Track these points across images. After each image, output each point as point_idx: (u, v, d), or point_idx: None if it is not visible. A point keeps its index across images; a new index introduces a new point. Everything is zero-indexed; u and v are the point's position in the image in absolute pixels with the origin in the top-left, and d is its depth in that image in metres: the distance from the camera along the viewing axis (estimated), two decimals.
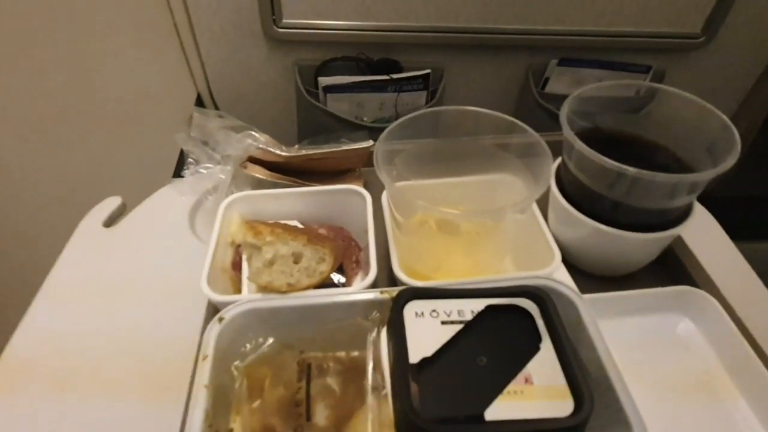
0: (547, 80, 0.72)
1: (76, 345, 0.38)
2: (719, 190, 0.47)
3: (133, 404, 0.34)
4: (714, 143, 0.37)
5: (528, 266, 0.38)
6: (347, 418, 0.27)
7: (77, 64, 0.66)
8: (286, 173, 0.47)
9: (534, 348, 0.27)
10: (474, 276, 0.34)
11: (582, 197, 0.39)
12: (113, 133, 0.73)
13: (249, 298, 0.32)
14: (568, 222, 0.41)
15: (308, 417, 0.27)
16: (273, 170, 0.47)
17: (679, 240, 0.44)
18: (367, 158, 0.48)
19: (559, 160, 0.42)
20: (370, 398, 0.27)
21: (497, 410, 0.24)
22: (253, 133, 0.46)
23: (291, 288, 0.32)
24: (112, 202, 0.49)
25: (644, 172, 0.33)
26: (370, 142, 0.48)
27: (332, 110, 0.68)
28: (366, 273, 0.35)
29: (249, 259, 0.33)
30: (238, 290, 0.37)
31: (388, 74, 0.66)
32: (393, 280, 0.37)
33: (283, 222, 0.40)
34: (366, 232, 0.38)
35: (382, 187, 0.41)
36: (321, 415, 0.27)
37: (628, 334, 0.39)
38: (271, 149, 0.46)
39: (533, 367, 0.26)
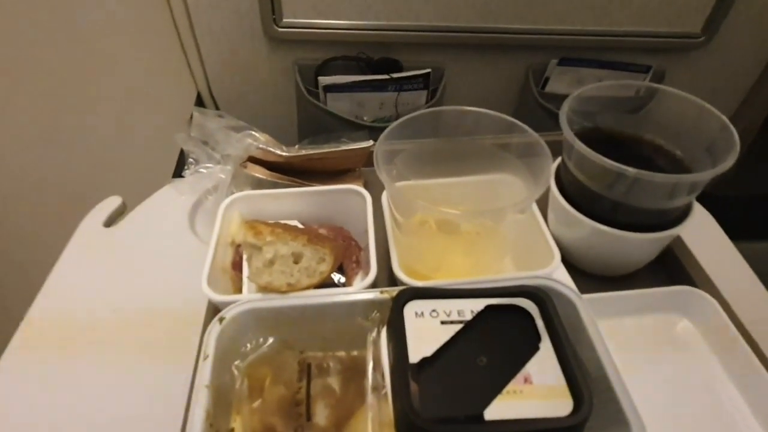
0: (547, 80, 0.72)
1: (75, 345, 0.38)
2: (719, 190, 0.47)
3: (133, 404, 0.34)
4: (713, 143, 0.37)
5: (528, 266, 0.38)
6: (347, 418, 0.27)
7: (77, 64, 0.66)
8: (286, 173, 0.47)
9: (533, 348, 0.27)
10: (474, 276, 0.34)
11: (582, 197, 0.39)
12: (113, 132, 0.73)
13: (249, 298, 0.32)
14: (567, 222, 0.41)
15: (308, 417, 0.27)
16: (273, 170, 0.47)
17: (678, 240, 0.44)
18: (367, 158, 0.48)
19: (558, 160, 0.42)
20: (370, 398, 0.27)
21: (497, 410, 0.24)
22: (253, 132, 0.47)
23: (291, 288, 0.32)
24: (112, 202, 0.49)
25: (644, 172, 0.33)
26: (370, 142, 0.48)
27: (332, 110, 0.68)
28: (366, 273, 0.35)
29: (249, 259, 0.33)
30: (239, 290, 0.37)
31: (388, 73, 0.66)
32: (393, 280, 0.37)
33: (283, 222, 0.40)
34: (366, 231, 0.38)
35: (382, 187, 0.41)
36: (321, 414, 0.28)
37: (628, 333, 0.39)
38: (271, 149, 0.46)
39: (532, 366, 0.26)
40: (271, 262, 0.32)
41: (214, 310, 0.37)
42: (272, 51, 0.68)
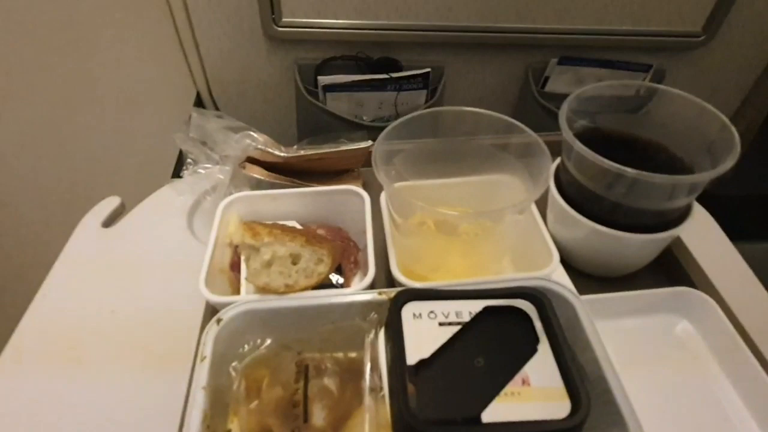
0: (547, 79, 0.72)
1: (74, 345, 0.38)
2: (719, 189, 0.47)
3: (131, 404, 0.34)
4: (713, 144, 0.36)
5: (526, 267, 0.38)
6: (345, 419, 0.27)
7: (77, 64, 0.66)
8: (284, 174, 0.47)
9: (531, 349, 0.27)
10: (472, 277, 0.34)
11: (581, 198, 0.39)
12: (112, 133, 0.73)
13: (247, 299, 0.32)
14: (566, 223, 0.41)
15: (306, 418, 0.27)
16: (271, 171, 0.46)
17: (677, 241, 0.44)
18: (365, 158, 0.48)
19: (558, 160, 0.42)
20: (368, 399, 0.27)
21: (494, 412, 0.24)
22: (252, 133, 0.46)
23: (289, 289, 0.32)
24: (111, 202, 0.49)
25: (643, 173, 0.33)
26: (369, 143, 0.48)
27: (332, 109, 0.68)
28: (364, 273, 0.35)
29: (247, 260, 0.33)
30: (237, 291, 0.37)
31: (387, 73, 0.66)
32: (391, 281, 0.37)
33: (281, 223, 0.40)
34: (364, 232, 0.38)
35: (380, 188, 0.41)
36: (318, 415, 0.28)
37: (626, 335, 0.39)
38: (269, 150, 0.46)
39: (530, 368, 0.26)
40: (269, 263, 0.32)
41: (211, 311, 0.37)
42: (272, 50, 0.68)
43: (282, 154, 0.46)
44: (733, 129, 0.35)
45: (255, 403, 0.28)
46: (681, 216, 0.39)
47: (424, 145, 0.39)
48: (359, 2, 0.63)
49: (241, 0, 0.62)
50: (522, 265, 0.40)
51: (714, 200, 0.45)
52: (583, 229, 0.39)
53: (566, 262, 0.42)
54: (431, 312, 0.28)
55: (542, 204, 0.42)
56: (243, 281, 0.36)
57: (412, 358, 0.26)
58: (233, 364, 0.29)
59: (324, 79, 0.66)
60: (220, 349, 0.28)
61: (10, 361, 0.37)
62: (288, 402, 0.28)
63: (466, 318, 0.28)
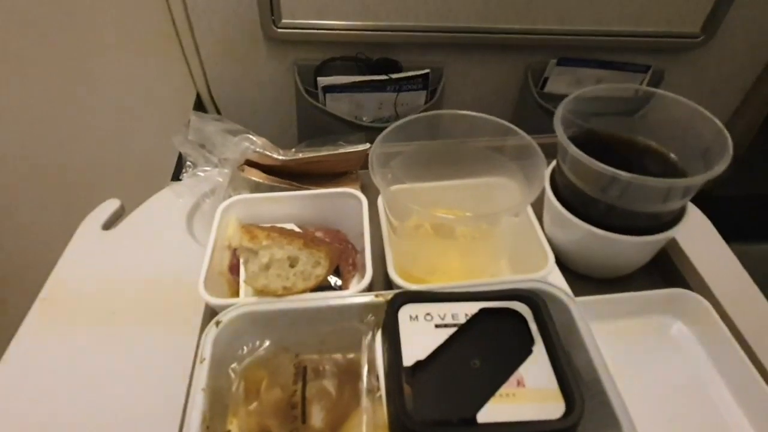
0: (546, 80, 0.72)
1: (74, 348, 0.38)
2: (716, 190, 0.47)
3: (131, 406, 0.35)
4: (708, 147, 0.37)
5: (522, 269, 0.38)
6: (342, 420, 0.28)
7: (76, 66, 0.66)
8: (283, 176, 0.47)
9: (527, 351, 0.27)
10: (469, 279, 0.34)
11: (576, 200, 0.39)
12: (112, 135, 0.73)
13: (246, 301, 0.32)
14: (562, 225, 0.41)
15: (304, 419, 0.28)
16: (270, 173, 0.47)
17: (673, 243, 0.44)
18: (363, 161, 0.48)
19: (554, 163, 0.43)
20: (365, 401, 0.27)
21: (489, 413, 0.24)
22: (250, 136, 0.47)
23: (287, 291, 0.32)
24: (110, 205, 0.49)
25: (637, 176, 0.33)
26: (367, 145, 0.48)
27: (331, 110, 0.68)
28: (362, 276, 0.35)
29: (245, 263, 0.33)
30: (236, 293, 0.37)
31: (387, 74, 0.67)
32: (388, 283, 0.37)
33: (279, 225, 0.41)
34: (362, 235, 0.38)
35: (378, 190, 0.41)
36: (317, 417, 0.28)
37: (621, 336, 0.39)
38: (267, 153, 0.46)
39: (526, 370, 0.26)
40: (267, 266, 0.33)
41: (210, 313, 0.38)
42: (271, 52, 0.68)
43: (280, 157, 0.46)
44: (727, 134, 0.36)
45: (254, 404, 0.28)
46: (676, 218, 0.39)
47: (421, 148, 0.39)
48: (359, 3, 0.63)
49: (241, 1, 0.62)
50: (518, 267, 0.40)
51: (709, 201, 0.45)
52: (579, 232, 0.39)
53: (562, 264, 0.42)
54: (428, 314, 0.28)
55: (538, 206, 0.42)
56: (242, 284, 0.37)
57: (408, 359, 0.26)
58: (232, 365, 0.29)
59: (324, 80, 0.66)
60: (220, 350, 0.29)
61: (12, 364, 0.37)
62: (286, 403, 0.28)
63: (462, 320, 0.28)
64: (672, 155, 0.40)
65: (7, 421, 0.34)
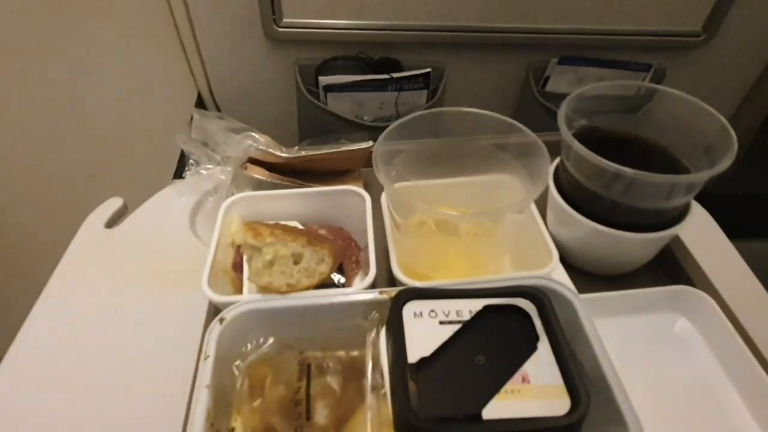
0: (547, 79, 0.72)
1: (78, 346, 0.38)
2: (718, 188, 0.47)
3: (135, 404, 0.35)
4: (712, 144, 0.37)
5: (526, 266, 0.38)
6: (347, 418, 0.28)
7: (77, 65, 0.66)
8: (285, 174, 0.47)
9: (531, 347, 0.27)
10: (472, 276, 0.34)
11: (580, 197, 0.39)
12: (114, 134, 0.73)
13: (249, 298, 0.32)
14: (566, 222, 0.41)
15: (308, 416, 0.28)
16: (273, 171, 0.47)
17: (676, 239, 0.44)
18: (366, 159, 0.48)
19: (557, 160, 0.43)
20: (370, 397, 0.27)
21: (494, 409, 0.24)
22: (253, 134, 0.47)
23: (291, 288, 0.32)
24: (113, 203, 0.49)
25: (641, 173, 0.33)
26: (370, 143, 0.48)
27: (333, 109, 0.68)
28: (366, 273, 0.35)
29: (249, 260, 0.33)
30: (239, 291, 0.37)
31: (388, 73, 0.67)
32: (392, 280, 0.37)
33: (283, 223, 0.41)
34: (365, 232, 0.38)
35: (381, 188, 0.41)
36: (321, 414, 0.28)
37: (626, 333, 0.39)
38: (270, 150, 0.46)
39: (530, 366, 0.26)
40: (270, 263, 0.33)
41: (214, 310, 0.37)
42: (272, 51, 0.68)
43: (283, 155, 0.46)
44: (731, 130, 0.36)
45: (258, 401, 0.28)
46: (680, 215, 0.39)
47: (424, 145, 0.39)
48: (359, 2, 0.63)
49: (242, 0, 0.62)
50: (522, 264, 0.40)
51: (713, 199, 0.45)
52: (583, 229, 0.39)
53: (566, 261, 0.42)
54: (432, 311, 0.28)
55: (542, 203, 0.42)
56: (245, 281, 0.37)
57: (413, 356, 0.26)
58: (236, 362, 0.29)
59: (325, 80, 0.66)
60: (224, 348, 0.29)
61: (14, 362, 0.37)
62: (291, 400, 0.28)
63: (467, 317, 0.28)
64: (675, 152, 0.40)
65: (10, 420, 0.34)
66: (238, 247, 0.39)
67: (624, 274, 0.44)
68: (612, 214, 0.38)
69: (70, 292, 0.42)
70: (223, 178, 0.46)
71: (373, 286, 0.34)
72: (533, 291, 0.29)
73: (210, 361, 0.28)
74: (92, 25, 0.64)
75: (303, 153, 0.47)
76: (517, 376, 0.25)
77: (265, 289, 0.33)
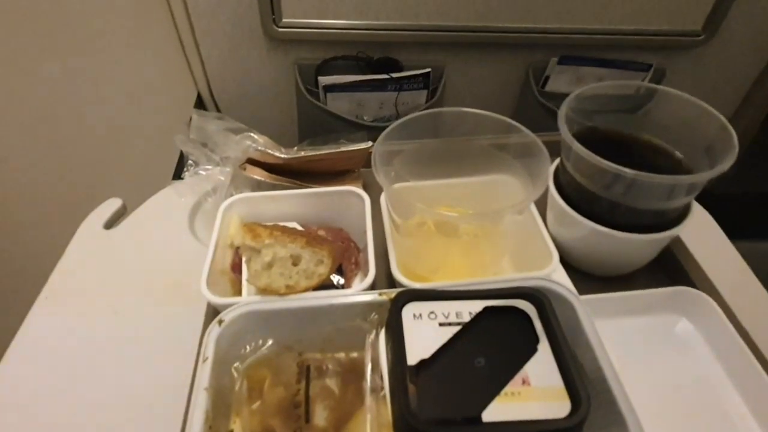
0: (547, 78, 0.72)
1: (77, 347, 0.38)
2: (719, 188, 0.47)
3: (134, 405, 0.35)
4: (712, 144, 0.37)
5: (526, 267, 0.38)
6: (346, 419, 0.28)
7: (77, 65, 0.66)
8: (285, 175, 0.47)
9: (531, 349, 0.27)
10: (472, 277, 0.34)
11: (580, 198, 0.39)
12: (113, 134, 0.73)
13: (248, 300, 0.32)
14: (566, 223, 0.41)
15: (307, 418, 0.27)
16: (272, 172, 0.47)
17: (677, 240, 0.44)
18: (366, 159, 0.48)
19: (557, 160, 0.42)
20: (369, 399, 0.27)
21: (494, 412, 0.24)
22: (252, 134, 0.47)
23: (290, 290, 0.32)
24: (112, 204, 0.49)
25: (641, 173, 0.33)
26: (369, 144, 0.48)
27: (332, 109, 0.68)
28: (365, 274, 0.35)
29: (248, 262, 0.33)
30: (238, 292, 0.37)
31: (388, 73, 0.66)
32: (392, 282, 0.37)
33: (282, 224, 0.41)
34: (365, 233, 0.38)
35: (381, 189, 0.41)
36: (320, 416, 0.28)
37: (626, 334, 0.39)
38: (269, 151, 0.46)
39: (531, 368, 0.26)
40: (269, 265, 0.33)
41: (213, 312, 0.37)
42: (272, 51, 0.68)
43: (282, 156, 0.46)
44: (732, 130, 0.35)
45: (257, 403, 0.28)
46: (680, 215, 0.39)
47: (424, 145, 0.39)
48: (359, 2, 0.63)
49: (241, 1, 0.62)
50: (522, 265, 0.40)
51: (713, 199, 0.45)
52: (583, 229, 0.39)
53: (566, 262, 0.42)
54: (431, 312, 0.28)
55: (542, 204, 0.42)
56: (244, 282, 0.37)
57: (412, 358, 0.26)
58: (235, 364, 0.29)
59: (324, 80, 0.66)
60: (222, 350, 0.29)
61: (13, 363, 0.37)
62: (290, 402, 0.28)
63: (466, 318, 0.28)
64: (676, 152, 0.39)
65: (10, 420, 0.34)
66: (237, 248, 0.39)
67: (624, 275, 0.43)
68: (612, 214, 0.38)
69: (69, 293, 0.42)
70: (222, 178, 0.46)
71: (372, 287, 0.34)
72: (533, 292, 0.29)
73: (209, 363, 0.28)
74: (92, 25, 0.64)
75: (302, 154, 0.47)
76: (517, 378, 0.25)
77: (264, 291, 0.33)
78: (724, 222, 0.46)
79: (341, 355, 0.30)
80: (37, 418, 0.34)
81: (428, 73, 0.67)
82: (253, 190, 0.46)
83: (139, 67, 0.69)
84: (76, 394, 0.35)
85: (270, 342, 0.30)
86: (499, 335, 0.28)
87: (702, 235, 0.44)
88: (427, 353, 0.26)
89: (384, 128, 0.37)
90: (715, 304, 0.39)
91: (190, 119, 0.47)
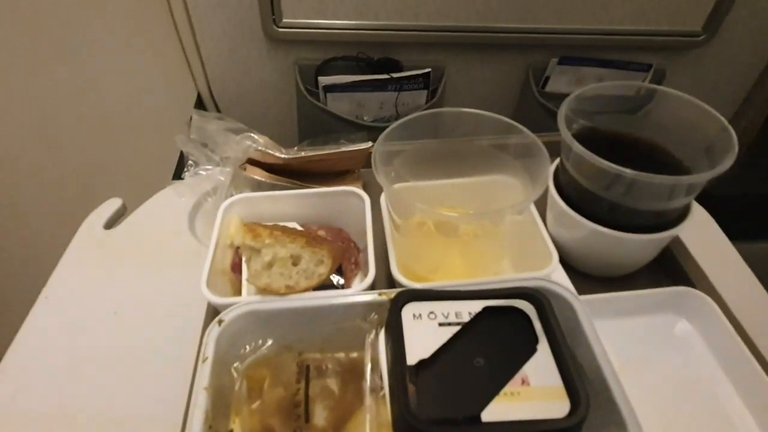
0: (547, 79, 0.72)
1: (77, 347, 0.38)
2: (719, 189, 0.47)
3: (134, 405, 0.35)
4: (712, 145, 0.37)
5: (526, 267, 0.38)
6: (346, 419, 0.28)
7: (77, 65, 0.66)
8: (285, 175, 0.47)
9: (531, 349, 0.27)
10: (472, 277, 0.34)
11: (580, 198, 0.39)
12: (114, 134, 0.73)
13: (248, 300, 0.32)
14: (565, 223, 0.41)
15: (307, 418, 0.27)
16: (272, 172, 0.47)
17: (677, 241, 0.44)
18: (366, 160, 0.48)
19: (557, 161, 0.42)
20: (369, 399, 0.27)
21: (494, 411, 0.24)
22: (252, 135, 0.47)
23: (290, 290, 0.32)
24: (112, 204, 0.49)
25: (642, 174, 0.33)
26: (369, 144, 0.48)
27: (332, 110, 0.68)
28: (365, 274, 0.35)
29: (248, 262, 0.33)
30: (238, 292, 0.37)
31: (388, 73, 0.67)
32: (391, 282, 0.37)
33: (282, 224, 0.41)
34: (365, 233, 0.38)
35: (380, 189, 0.41)
36: (320, 416, 0.28)
37: (626, 334, 0.39)
38: (270, 151, 0.46)
39: (530, 368, 0.26)
40: (269, 265, 0.33)
41: (213, 312, 0.37)
42: (272, 51, 0.68)
43: (282, 156, 0.46)
44: (732, 131, 0.35)
45: (257, 403, 0.28)
46: (680, 216, 0.39)
47: (424, 146, 0.39)
48: (359, 2, 0.63)
49: (242, 1, 0.62)
50: (521, 265, 0.40)
51: (713, 200, 0.45)
52: (583, 230, 0.39)
53: (565, 262, 0.42)
54: (431, 312, 0.28)
55: (541, 204, 0.42)
56: (244, 282, 0.37)
57: (412, 358, 0.26)
58: (235, 364, 0.29)
59: (324, 80, 0.66)
60: (222, 349, 0.29)
61: (13, 362, 0.37)
62: (289, 402, 0.28)
63: (466, 318, 0.28)
64: (676, 153, 0.39)
65: (9, 421, 0.34)
66: (237, 248, 0.39)
67: (624, 276, 0.43)
68: (612, 215, 0.38)
69: (69, 293, 0.42)
70: (222, 179, 0.46)
71: (372, 287, 0.34)
72: (533, 292, 0.29)
73: (208, 363, 0.28)
74: (92, 25, 0.64)
75: (302, 154, 0.47)
76: (517, 378, 0.25)
77: (263, 291, 0.33)
78: (724, 222, 0.46)
79: (341, 355, 0.30)
80: (38, 416, 0.34)
81: (428, 73, 0.68)
82: (253, 190, 0.46)
83: (139, 67, 0.69)
84: (76, 394, 0.35)
85: (270, 342, 0.30)
86: (499, 335, 0.28)
87: (702, 235, 0.44)
88: (426, 353, 0.26)
89: (384, 128, 0.37)
90: (714, 305, 0.39)
91: (190, 119, 0.47)
